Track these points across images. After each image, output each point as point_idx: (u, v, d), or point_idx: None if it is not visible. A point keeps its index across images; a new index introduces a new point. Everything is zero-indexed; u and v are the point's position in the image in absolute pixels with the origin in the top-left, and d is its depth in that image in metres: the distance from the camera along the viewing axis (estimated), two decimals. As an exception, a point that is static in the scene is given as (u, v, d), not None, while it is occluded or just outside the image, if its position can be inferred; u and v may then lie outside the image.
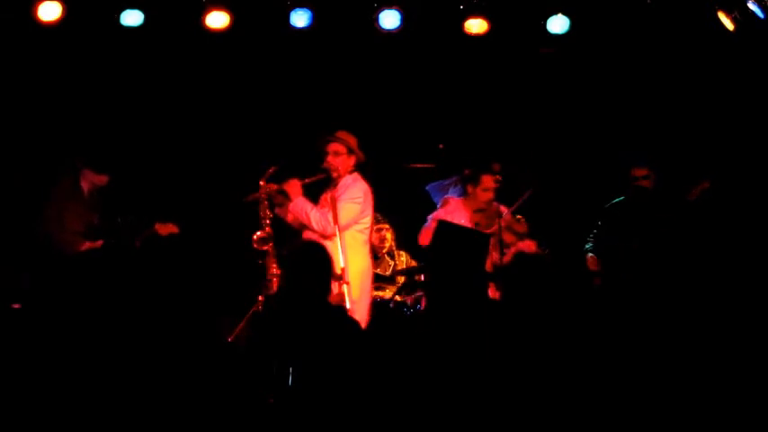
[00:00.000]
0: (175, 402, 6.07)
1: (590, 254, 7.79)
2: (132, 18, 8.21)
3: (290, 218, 7.01)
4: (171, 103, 8.79)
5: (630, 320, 7.28)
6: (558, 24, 8.35)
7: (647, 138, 8.53)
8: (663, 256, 7.48)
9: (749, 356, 6.74)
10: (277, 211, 7.06)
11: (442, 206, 7.60)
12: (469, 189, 7.53)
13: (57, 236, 6.96)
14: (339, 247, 6.56)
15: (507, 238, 7.39)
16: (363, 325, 6.31)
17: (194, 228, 7.98)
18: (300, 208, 6.82)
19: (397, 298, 7.84)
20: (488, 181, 7.45)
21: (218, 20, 8.27)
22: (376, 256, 8.05)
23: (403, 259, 8.27)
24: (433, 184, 7.89)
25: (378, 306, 7.42)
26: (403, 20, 8.32)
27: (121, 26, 8.22)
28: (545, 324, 7.39)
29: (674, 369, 6.65)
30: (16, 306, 6.94)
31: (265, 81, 8.83)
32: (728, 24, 7.89)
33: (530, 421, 5.81)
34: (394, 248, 8.31)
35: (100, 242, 7.05)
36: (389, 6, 8.30)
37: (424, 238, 7.55)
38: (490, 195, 7.47)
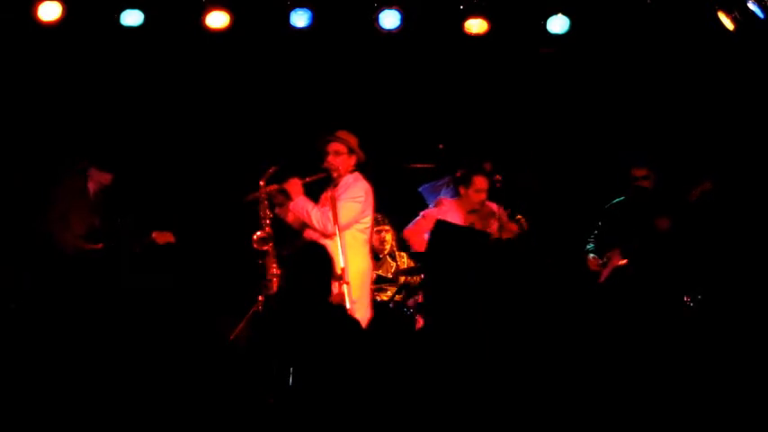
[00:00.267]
0: (176, 402, 6.06)
1: (591, 254, 7.79)
2: (132, 18, 8.22)
3: (290, 217, 7.01)
4: (171, 103, 8.79)
5: (630, 321, 7.28)
6: (558, 24, 8.36)
7: (647, 138, 8.53)
8: (663, 257, 7.48)
9: (750, 357, 6.74)
10: (277, 210, 7.06)
11: (436, 206, 7.61)
12: (462, 190, 7.54)
13: (59, 237, 6.96)
14: (339, 247, 6.56)
15: (502, 236, 7.40)
16: (364, 325, 6.31)
17: (194, 228, 7.98)
18: (301, 207, 6.81)
19: (397, 298, 7.85)
20: (480, 182, 7.46)
21: (218, 20, 8.28)
22: (377, 257, 8.05)
23: (404, 260, 8.27)
24: (425, 185, 7.89)
25: (378, 306, 7.42)
26: (403, 20, 8.33)
27: (121, 26, 8.22)
28: (543, 324, 7.40)
29: (673, 370, 6.65)
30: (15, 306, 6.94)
31: (265, 81, 8.84)
32: (728, 24, 7.89)
33: (528, 421, 5.81)
34: (395, 249, 8.31)
35: (100, 245, 7.05)
36: (389, 6, 8.31)
37: (414, 233, 7.57)
38: (483, 196, 7.49)
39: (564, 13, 8.34)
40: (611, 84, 8.76)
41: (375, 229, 7.80)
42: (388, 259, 8.25)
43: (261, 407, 5.00)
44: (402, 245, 8.26)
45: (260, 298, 7.00)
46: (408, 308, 7.73)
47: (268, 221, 7.02)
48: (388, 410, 5.40)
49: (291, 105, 8.82)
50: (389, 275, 8.10)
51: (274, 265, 7.02)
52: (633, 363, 6.79)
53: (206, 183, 8.67)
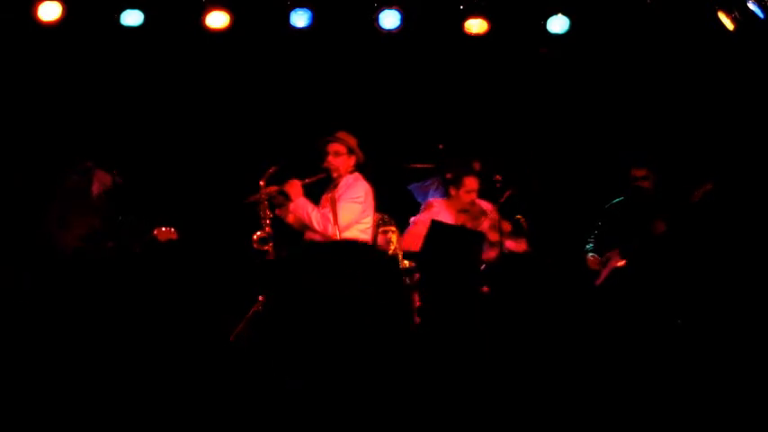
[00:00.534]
0: (176, 402, 6.06)
1: (590, 254, 7.79)
2: (132, 18, 8.22)
3: (290, 218, 7.01)
4: (171, 104, 8.79)
5: (630, 322, 7.28)
6: (558, 24, 8.36)
7: (646, 138, 8.53)
8: (662, 258, 7.48)
9: (750, 357, 6.74)
10: (277, 211, 7.06)
11: (425, 209, 7.55)
12: (452, 191, 7.52)
13: (57, 238, 6.96)
14: (339, 247, 6.56)
15: (493, 236, 7.39)
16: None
17: (195, 228, 7.98)
18: (301, 208, 6.82)
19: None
20: (471, 183, 7.45)
21: (218, 20, 8.28)
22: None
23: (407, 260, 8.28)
24: (414, 184, 7.87)
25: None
26: (403, 20, 8.33)
27: (121, 26, 8.23)
28: (540, 323, 7.40)
29: (673, 370, 6.65)
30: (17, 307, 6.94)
31: (265, 81, 8.83)
32: (728, 24, 7.89)
33: (527, 420, 5.81)
34: (399, 249, 8.31)
35: (100, 247, 7.05)
36: (389, 6, 8.31)
37: (409, 242, 7.55)
38: (473, 196, 7.47)
39: (564, 13, 8.34)
40: (611, 84, 8.75)
41: (381, 229, 7.81)
42: (394, 259, 8.25)
43: (261, 407, 5.00)
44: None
45: (260, 298, 7.00)
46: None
47: (268, 222, 7.02)
48: (388, 410, 5.40)
49: (291, 105, 8.82)
50: None
51: (274, 265, 7.03)
52: (633, 363, 6.79)
53: (206, 183, 8.66)
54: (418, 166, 7.95)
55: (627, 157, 7.82)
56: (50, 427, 5.64)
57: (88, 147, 7.35)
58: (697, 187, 7.39)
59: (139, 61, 8.63)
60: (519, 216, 7.64)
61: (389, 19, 8.34)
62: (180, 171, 8.70)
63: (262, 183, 6.98)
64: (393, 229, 8.21)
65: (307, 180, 6.94)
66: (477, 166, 7.46)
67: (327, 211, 6.75)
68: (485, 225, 7.39)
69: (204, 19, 8.26)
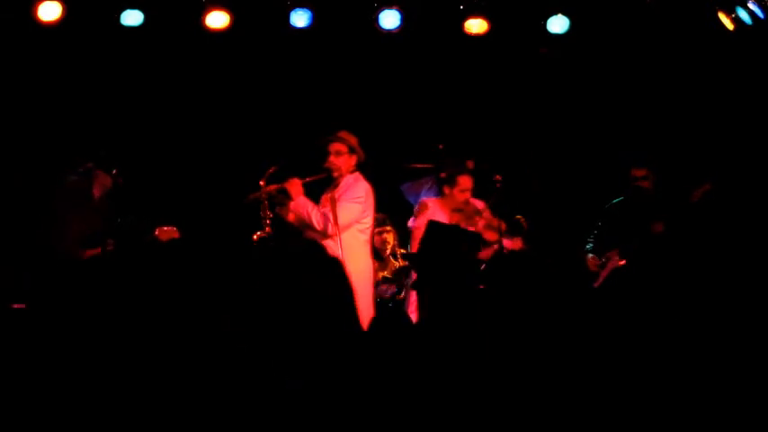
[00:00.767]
0: (175, 402, 6.06)
1: (590, 254, 7.79)
2: (132, 18, 8.22)
3: (290, 217, 7.01)
4: (171, 103, 8.79)
5: (630, 322, 7.28)
6: (558, 24, 8.36)
7: (646, 138, 8.53)
8: (662, 258, 7.48)
9: (750, 358, 6.74)
10: (278, 210, 7.06)
11: (421, 211, 7.50)
12: (446, 190, 7.49)
13: (58, 238, 6.96)
14: (339, 248, 6.57)
15: (489, 236, 7.38)
16: (365, 324, 6.31)
17: (195, 228, 7.97)
18: (302, 207, 6.82)
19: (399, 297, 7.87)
20: (465, 182, 7.41)
21: (218, 20, 8.28)
22: (381, 258, 8.06)
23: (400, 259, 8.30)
24: (407, 183, 7.85)
25: (381, 305, 7.44)
26: (403, 20, 8.33)
27: (121, 26, 8.23)
28: (539, 323, 7.40)
29: (673, 371, 6.65)
30: (18, 306, 6.93)
31: (265, 81, 8.84)
32: (728, 24, 7.89)
33: (527, 420, 5.81)
34: (397, 249, 8.32)
35: (99, 249, 7.05)
36: (389, 6, 8.31)
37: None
38: (467, 195, 7.44)
39: (564, 13, 8.34)
40: (611, 84, 8.76)
41: (376, 230, 7.81)
42: (391, 259, 8.26)
43: (260, 407, 4.99)
44: (404, 244, 8.27)
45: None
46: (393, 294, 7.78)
47: (268, 221, 7.02)
48: (387, 410, 5.40)
49: (291, 105, 8.82)
50: (393, 276, 8.12)
51: (274, 264, 7.02)
52: (632, 363, 6.79)
53: (206, 183, 8.66)
54: (418, 166, 7.95)
55: (627, 157, 7.82)
56: (51, 426, 5.64)
57: (89, 147, 7.33)
58: (696, 187, 7.39)
59: (139, 61, 8.63)
60: (519, 216, 7.64)
61: (389, 19, 8.34)
62: (180, 171, 8.71)
63: (262, 182, 6.98)
64: (389, 228, 8.22)
65: (307, 179, 6.95)
66: (470, 165, 7.45)
67: (328, 210, 6.76)
68: (479, 224, 7.38)
69: (204, 19, 8.26)
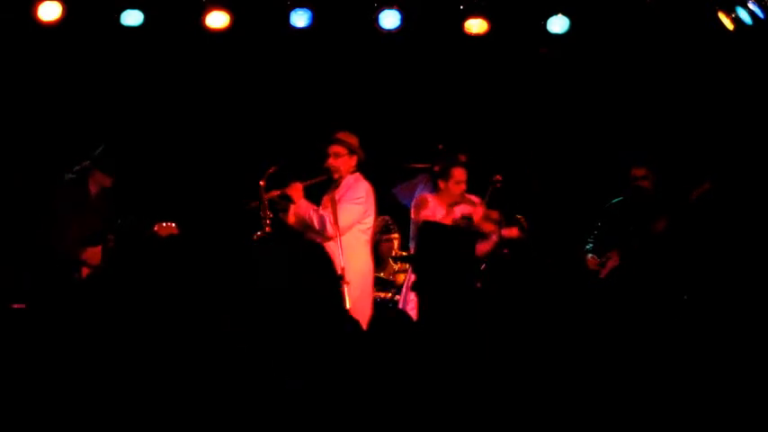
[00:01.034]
0: (175, 402, 6.06)
1: (590, 255, 7.79)
2: (132, 18, 8.22)
3: (291, 219, 7.02)
4: (171, 103, 8.79)
5: (630, 320, 7.28)
6: (558, 24, 8.36)
7: (646, 138, 8.53)
8: (662, 257, 7.48)
9: (750, 358, 6.74)
10: (281, 215, 7.07)
11: (422, 206, 7.48)
12: (441, 184, 7.46)
13: (57, 238, 6.96)
14: (339, 248, 6.57)
15: (486, 227, 7.38)
16: (364, 325, 6.31)
17: (195, 228, 7.98)
18: (303, 210, 6.84)
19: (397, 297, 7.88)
20: (459, 174, 7.39)
21: (218, 20, 8.28)
22: (381, 260, 8.08)
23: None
24: (398, 186, 7.82)
25: (379, 306, 7.43)
26: (403, 20, 8.33)
27: (121, 26, 8.23)
28: (539, 323, 7.40)
29: (673, 371, 6.65)
30: (18, 306, 6.94)
31: (265, 81, 8.83)
32: (728, 24, 7.89)
33: (527, 419, 5.81)
34: (398, 252, 8.33)
35: (99, 247, 7.05)
36: (389, 6, 8.31)
37: None
38: (462, 188, 7.42)
39: (564, 13, 8.34)
40: (611, 84, 8.75)
41: (383, 237, 7.88)
42: (391, 262, 8.26)
43: (260, 407, 4.99)
44: (404, 246, 8.27)
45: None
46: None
47: (268, 222, 7.03)
48: (387, 410, 5.40)
49: (291, 105, 8.82)
50: (390, 278, 8.12)
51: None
52: (632, 363, 6.79)
53: (206, 183, 8.66)
54: (418, 166, 7.95)
55: (627, 157, 7.82)
56: (51, 426, 5.64)
57: (89, 147, 7.33)
58: (695, 187, 7.39)
59: (140, 61, 8.63)
60: (519, 216, 7.63)
61: (389, 19, 8.34)
62: (181, 171, 8.70)
63: (262, 183, 6.98)
64: (396, 236, 8.22)
65: (308, 182, 6.95)
66: (463, 158, 7.43)
67: (328, 211, 6.77)
68: (477, 216, 7.38)
69: (204, 19, 8.26)
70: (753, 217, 8.13)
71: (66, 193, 7.13)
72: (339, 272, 6.37)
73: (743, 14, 7.79)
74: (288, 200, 6.95)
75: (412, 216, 7.48)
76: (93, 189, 7.15)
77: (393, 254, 8.25)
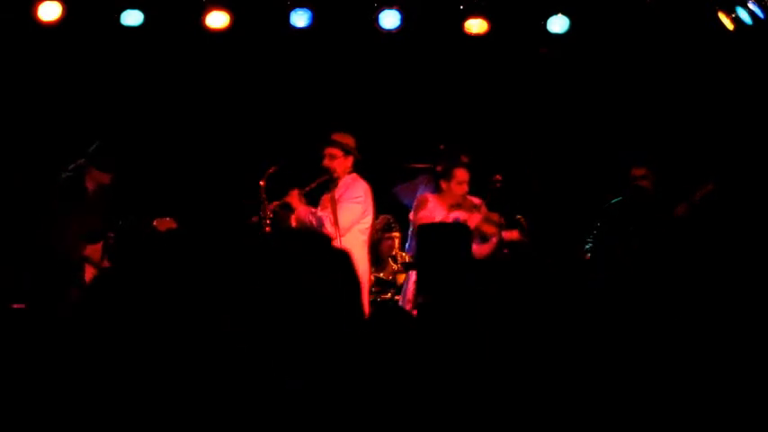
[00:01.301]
0: (175, 402, 6.06)
1: (590, 254, 7.79)
2: (132, 18, 8.22)
3: (293, 224, 7.06)
4: (171, 103, 8.79)
5: (630, 321, 7.28)
6: (558, 24, 8.36)
7: (646, 138, 8.53)
8: (663, 257, 7.48)
9: (750, 358, 6.74)
10: (282, 226, 7.10)
11: (422, 206, 7.48)
12: (443, 185, 7.45)
13: (57, 239, 6.95)
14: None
15: (487, 229, 7.38)
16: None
17: (195, 228, 7.97)
18: (304, 216, 6.89)
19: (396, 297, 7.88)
20: (462, 174, 7.37)
21: (218, 20, 8.28)
22: (381, 260, 8.08)
23: (406, 259, 8.30)
24: (400, 186, 7.81)
25: (378, 305, 7.44)
26: (403, 20, 8.33)
27: (121, 26, 8.23)
28: (539, 323, 7.39)
29: (673, 371, 6.65)
30: (18, 306, 6.93)
31: (265, 81, 8.83)
32: (728, 24, 7.89)
33: (527, 419, 5.81)
34: (397, 252, 8.33)
35: (100, 244, 7.05)
36: (389, 6, 8.31)
37: None
38: (465, 188, 7.39)
39: (564, 13, 8.34)
40: (611, 84, 8.75)
41: (385, 235, 7.88)
42: (390, 262, 8.26)
43: (260, 406, 4.99)
44: (403, 246, 8.28)
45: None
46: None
47: (268, 222, 7.04)
48: (386, 410, 5.40)
49: (291, 105, 8.82)
50: (390, 278, 8.12)
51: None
52: (632, 362, 6.79)
53: (206, 183, 8.66)
54: (418, 166, 7.95)
55: (627, 157, 7.81)
56: (51, 426, 5.64)
57: (89, 146, 7.33)
58: (698, 188, 7.38)
59: (139, 61, 8.63)
60: (519, 216, 7.63)
61: (389, 19, 8.34)
62: (181, 171, 8.70)
63: (262, 183, 7.00)
64: (397, 234, 8.22)
65: (306, 188, 7.00)
66: (465, 159, 7.43)
67: (327, 213, 6.80)
68: (478, 218, 7.37)
69: (204, 19, 8.26)
70: (756, 217, 8.12)
71: (63, 191, 7.12)
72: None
73: (743, 14, 7.78)
74: (288, 208, 6.98)
75: (411, 216, 7.48)
76: (90, 186, 7.13)
77: (393, 252, 8.26)
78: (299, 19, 8.34)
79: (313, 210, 6.90)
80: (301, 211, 6.89)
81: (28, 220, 7.24)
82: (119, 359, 6.43)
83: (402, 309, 7.70)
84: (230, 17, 8.27)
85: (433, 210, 7.36)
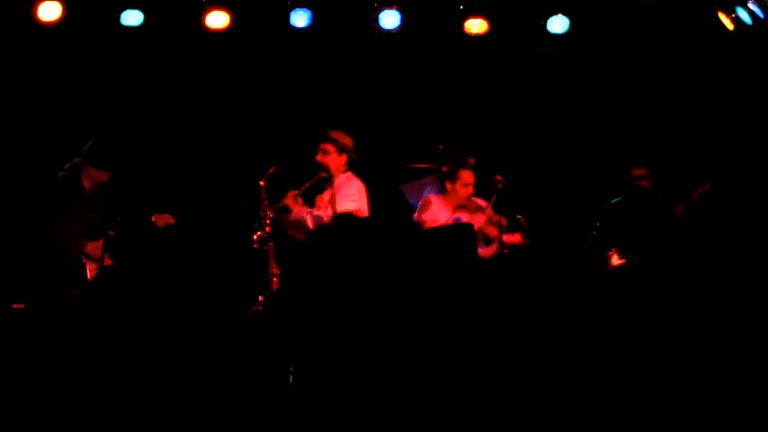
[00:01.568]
0: (175, 402, 6.07)
1: (589, 254, 7.79)
2: (132, 18, 8.23)
3: (289, 231, 7.09)
4: (171, 103, 8.79)
5: (630, 321, 7.28)
6: (558, 24, 8.36)
7: (646, 138, 8.53)
8: (662, 257, 7.48)
9: (750, 358, 6.75)
10: (289, 233, 7.11)
11: (426, 207, 7.48)
12: (448, 186, 7.46)
13: (57, 238, 6.95)
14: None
15: (491, 231, 7.38)
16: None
17: (195, 228, 7.98)
18: (300, 217, 6.90)
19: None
20: (467, 176, 7.39)
21: (218, 20, 8.28)
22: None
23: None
24: (407, 184, 7.82)
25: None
26: (403, 20, 8.33)
27: (121, 26, 8.23)
28: (539, 323, 7.40)
29: (673, 371, 6.66)
30: (18, 306, 6.94)
31: (265, 81, 8.83)
32: (728, 24, 7.90)
33: (527, 418, 5.82)
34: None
35: (100, 241, 7.05)
36: (389, 6, 8.31)
37: None
38: (470, 190, 7.41)
39: (564, 13, 8.34)
40: (611, 84, 8.75)
41: None
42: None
43: (260, 406, 5.00)
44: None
45: (260, 298, 7.02)
46: None
47: (268, 222, 7.04)
48: (386, 410, 5.40)
49: (291, 105, 8.82)
50: None
51: (275, 265, 7.06)
52: (632, 362, 6.80)
53: (206, 183, 8.66)
54: (418, 165, 7.95)
55: (627, 157, 7.82)
56: (51, 426, 5.64)
57: (89, 144, 7.32)
58: (696, 188, 7.39)
59: (139, 61, 8.63)
60: (519, 216, 7.63)
61: (389, 19, 8.34)
62: (180, 171, 8.70)
63: (262, 183, 7.01)
64: None
65: (302, 188, 7.02)
66: (471, 161, 7.44)
67: (322, 211, 6.85)
68: (482, 220, 7.38)
69: (204, 19, 8.27)
70: (754, 217, 8.12)
71: (61, 190, 7.12)
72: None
73: (743, 14, 7.79)
74: (287, 210, 7.00)
75: (414, 216, 7.49)
76: (87, 184, 7.13)
77: None
78: (299, 19, 8.34)
79: (307, 209, 6.92)
80: (296, 212, 6.90)
81: (28, 220, 7.24)
82: (119, 358, 6.43)
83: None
84: (230, 17, 8.27)
85: (438, 211, 7.37)
